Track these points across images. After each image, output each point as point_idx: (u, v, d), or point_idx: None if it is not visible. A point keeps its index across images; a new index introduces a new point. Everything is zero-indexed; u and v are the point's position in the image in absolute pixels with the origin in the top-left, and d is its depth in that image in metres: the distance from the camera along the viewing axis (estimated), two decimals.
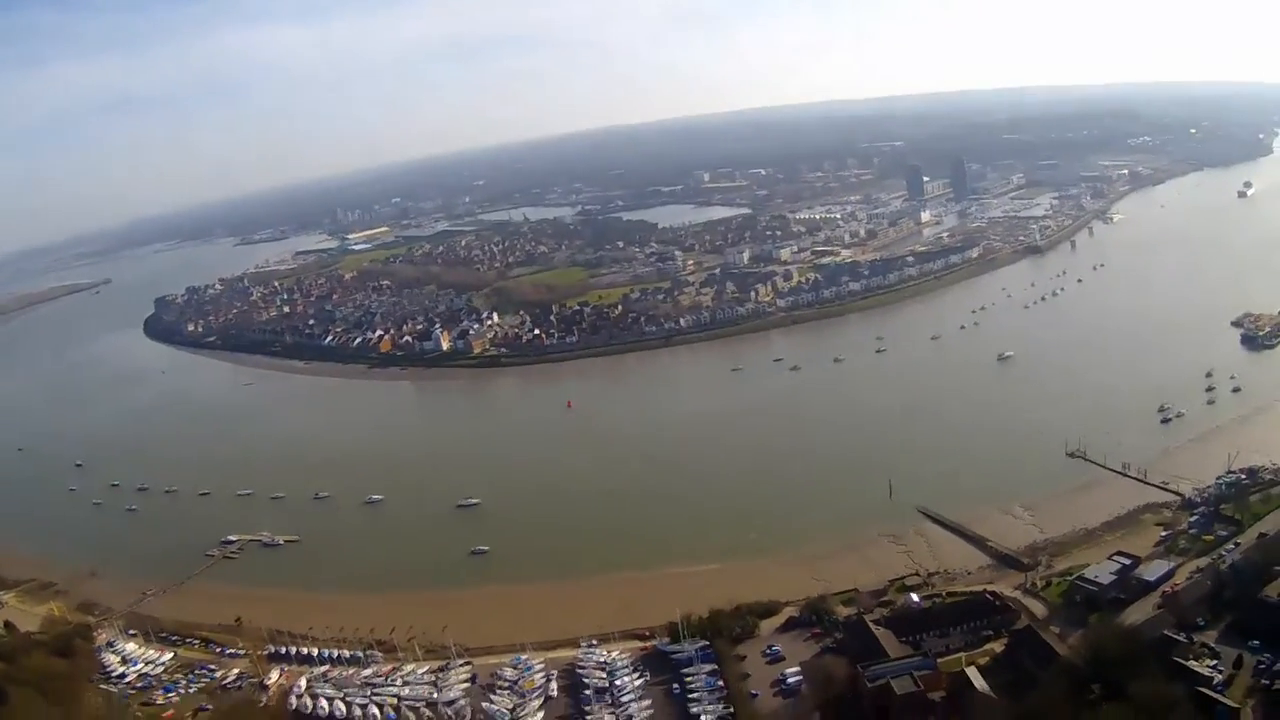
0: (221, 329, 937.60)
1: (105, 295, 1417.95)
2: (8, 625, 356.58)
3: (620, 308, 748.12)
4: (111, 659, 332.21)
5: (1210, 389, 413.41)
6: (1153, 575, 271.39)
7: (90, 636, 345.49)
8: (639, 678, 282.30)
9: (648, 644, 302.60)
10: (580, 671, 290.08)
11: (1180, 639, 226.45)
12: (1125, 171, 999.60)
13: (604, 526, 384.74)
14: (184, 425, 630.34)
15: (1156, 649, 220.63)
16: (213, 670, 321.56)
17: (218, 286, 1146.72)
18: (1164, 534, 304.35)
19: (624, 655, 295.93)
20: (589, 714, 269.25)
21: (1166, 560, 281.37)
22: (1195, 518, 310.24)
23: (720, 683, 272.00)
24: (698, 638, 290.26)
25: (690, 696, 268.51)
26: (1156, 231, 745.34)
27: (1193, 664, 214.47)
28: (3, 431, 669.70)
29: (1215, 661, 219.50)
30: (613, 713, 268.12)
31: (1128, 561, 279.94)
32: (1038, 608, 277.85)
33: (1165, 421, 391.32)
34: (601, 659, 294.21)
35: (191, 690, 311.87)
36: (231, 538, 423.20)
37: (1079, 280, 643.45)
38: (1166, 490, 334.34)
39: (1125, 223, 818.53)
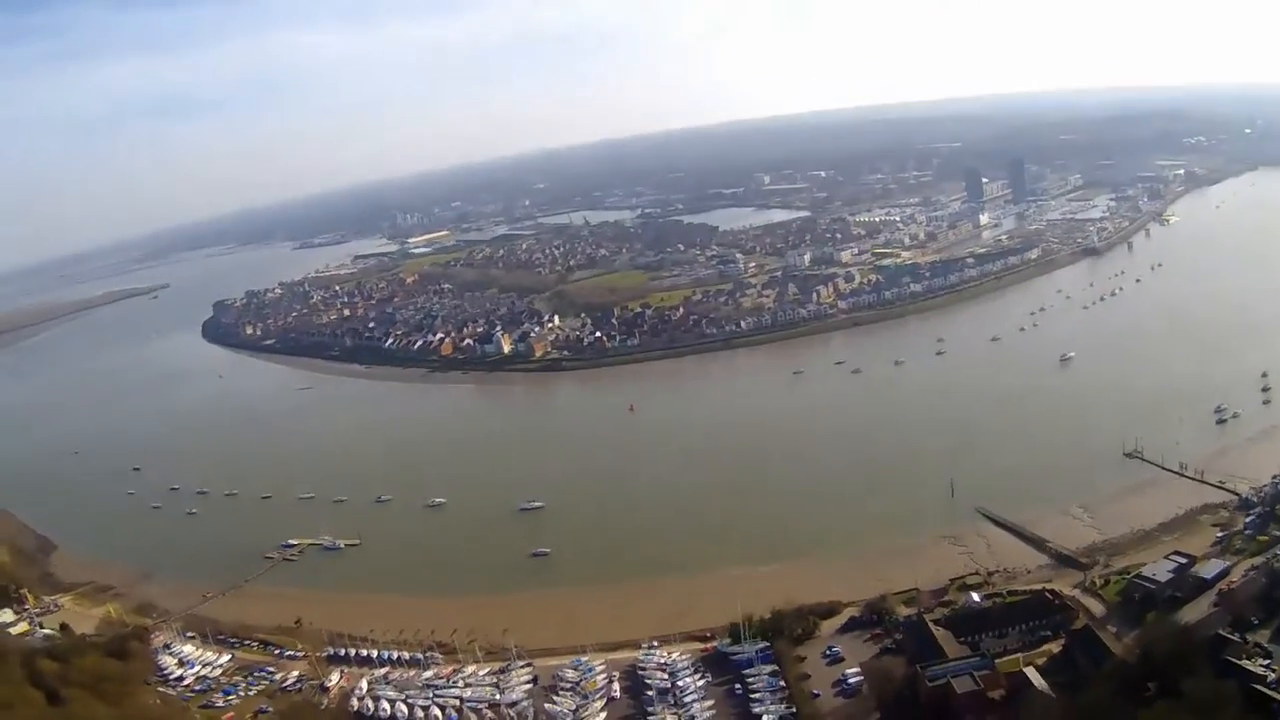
0: (280, 332, 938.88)
1: (163, 299, 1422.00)
2: (64, 627, 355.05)
3: (681, 310, 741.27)
4: (168, 661, 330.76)
5: (1266, 389, 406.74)
6: (1209, 574, 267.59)
7: (147, 639, 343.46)
8: (701, 679, 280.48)
9: (708, 645, 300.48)
10: (642, 673, 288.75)
11: (1234, 638, 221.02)
12: (1181, 171, 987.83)
13: (665, 528, 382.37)
14: (243, 428, 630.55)
15: (1210, 648, 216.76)
16: (272, 672, 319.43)
17: (277, 290, 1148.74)
18: (1220, 534, 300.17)
19: (685, 656, 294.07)
20: (652, 715, 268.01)
21: (1222, 559, 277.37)
22: (1251, 518, 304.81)
23: (781, 683, 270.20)
24: (758, 639, 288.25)
25: (752, 697, 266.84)
26: (1213, 231, 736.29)
27: (1245, 663, 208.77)
28: (59, 435, 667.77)
29: (1268, 661, 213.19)
30: (675, 713, 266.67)
31: (1184, 560, 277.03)
32: (1096, 606, 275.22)
33: (1221, 421, 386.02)
34: (662, 660, 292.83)
35: (251, 692, 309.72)
36: (292, 541, 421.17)
37: (1137, 280, 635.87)
38: (1223, 490, 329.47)
39: (1181, 224, 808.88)
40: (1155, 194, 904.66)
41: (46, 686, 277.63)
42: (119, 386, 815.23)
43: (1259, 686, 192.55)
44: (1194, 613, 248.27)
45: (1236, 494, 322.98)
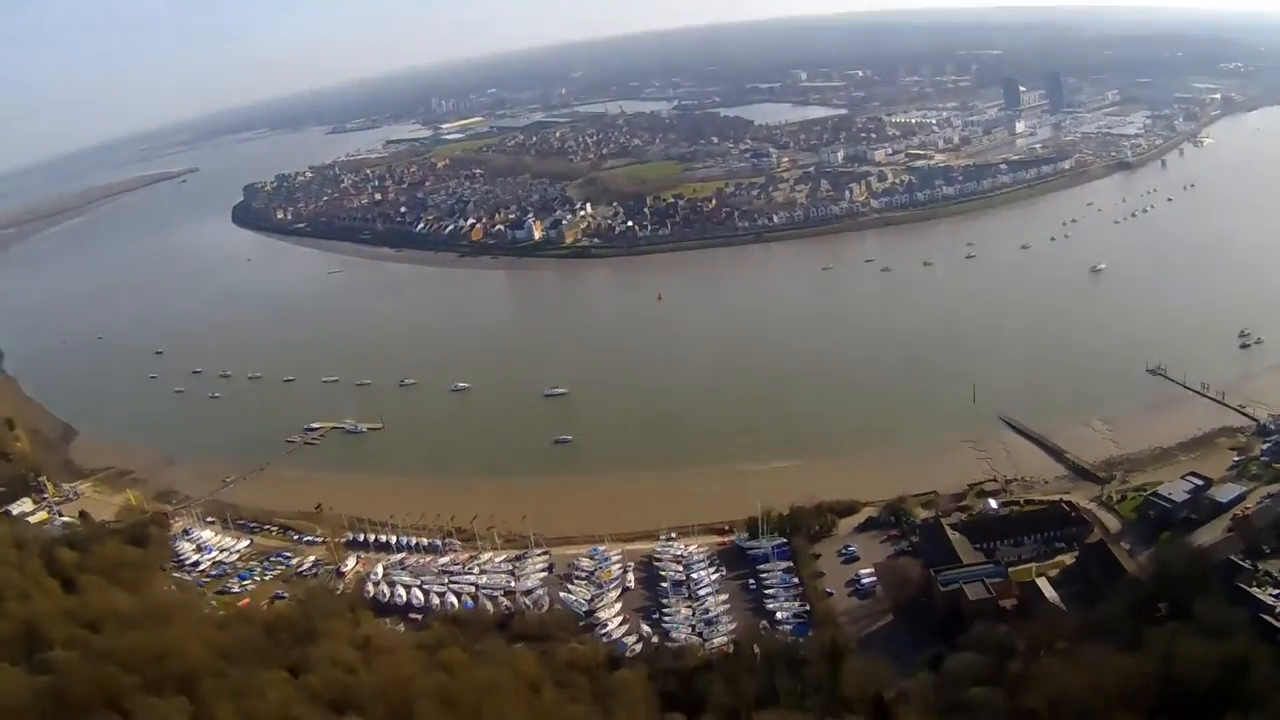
0: (311, 216, 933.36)
1: (192, 184, 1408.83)
2: (83, 515, 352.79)
3: (714, 202, 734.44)
4: (186, 547, 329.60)
5: None
6: (1225, 498, 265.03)
7: (166, 525, 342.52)
8: (715, 572, 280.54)
9: (726, 539, 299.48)
10: (657, 564, 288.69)
11: (1246, 565, 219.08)
12: (1218, 96, 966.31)
13: (688, 420, 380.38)
14: (270, 312, 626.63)
15: (1222, 573, 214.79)
16: (289, 557, 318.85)
17: (308, 174, 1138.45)
18: (1237, 458, 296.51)
19: (701, 549, 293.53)
20: (665, 606, 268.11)
21: (1239, 484, 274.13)
22: (1269, 444, 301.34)
23: (796, 580, 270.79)
24: (776, 534, 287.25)
25: (766, 593, 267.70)
26: (1248, 156, 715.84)
27: (1256, 591, 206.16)
28: (83, 320, 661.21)
29: (1279, 591, 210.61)
30: (689, 606, 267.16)
31: (1200, 482, 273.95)
32: (1111, 522, 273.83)
33: (1244, 346, 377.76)
34: (679, 552, 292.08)
35: (267, 577, 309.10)
36: (314, 425, 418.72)
37: (1169, 199, 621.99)
38: (1243, 414, 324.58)
39: (1216, 146, 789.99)
40: (1191, 115, 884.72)
41: (64, 575, 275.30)
42: (146, 272, 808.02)
43: (1268, 617, 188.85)
44: (1208, 536, 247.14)
45: (1255, 420, 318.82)
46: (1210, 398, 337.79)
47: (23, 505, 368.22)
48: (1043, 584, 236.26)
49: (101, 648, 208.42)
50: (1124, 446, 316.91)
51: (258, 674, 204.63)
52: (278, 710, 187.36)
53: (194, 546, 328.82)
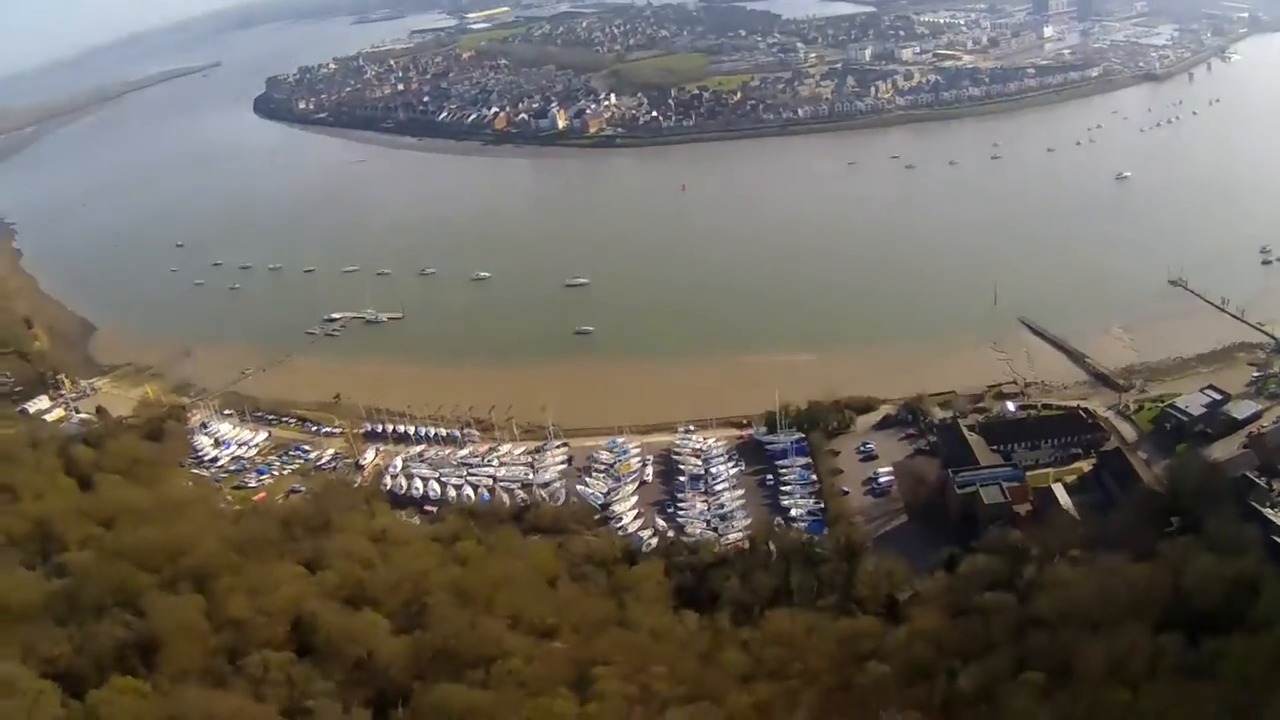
0: (333, 106, 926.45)
1: (214, 77, 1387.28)
2: (100, 411, 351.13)
3: (739, 95, 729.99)
4: (204, 442, 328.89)
5: None
6: (1241, 414, 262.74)
7: (183, 419, 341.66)
8: (734, 466, 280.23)
9: (744, 433, 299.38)
10: (676, 457, 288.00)
11: (1260, 483, 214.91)
12: (1246, 14, 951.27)
13: (709, 312, 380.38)
14: (291, 203, 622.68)
15: (1236, 489, 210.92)
16: (307, 450, 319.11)
17: (331, 65, 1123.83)
18: (1256, 374, 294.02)
19: (720, 443, 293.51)
20: (682, 501, 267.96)
21: (1256, 401, 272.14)
22: None
23: (813, 477, 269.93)
24: (794, 429, 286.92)
25: (783, 489, 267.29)
26: (1273, 76, 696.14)
27: (1269, 511, 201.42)
28: (103, 216, 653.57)
29: None
30: (705, 500, 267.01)
31: (1218, 396, 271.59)
32: (1128, 430, 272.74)
33: (1266, 263, 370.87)
34: (698, 446, 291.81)
35: (285, 471, 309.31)
36: (334, 315, 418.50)
37: (1194, 113, 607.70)
38: (1261, 331, 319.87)
39: (1243, 64, 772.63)
40: (1219, 31, 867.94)
41: (80, 473, 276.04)
42: (167, 165, 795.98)
43: (1278, 539, 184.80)
44: (1223, 450, 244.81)
45: (1274, 338, 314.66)
46: (1230, 313, 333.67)
47: (40, 403, 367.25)
48: (1058, 490, 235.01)
49: (115, 545, 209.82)
50: (1143, 355, 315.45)
51: (273, 568, 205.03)
52: (292, 605, 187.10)
53: (211, 441, 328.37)
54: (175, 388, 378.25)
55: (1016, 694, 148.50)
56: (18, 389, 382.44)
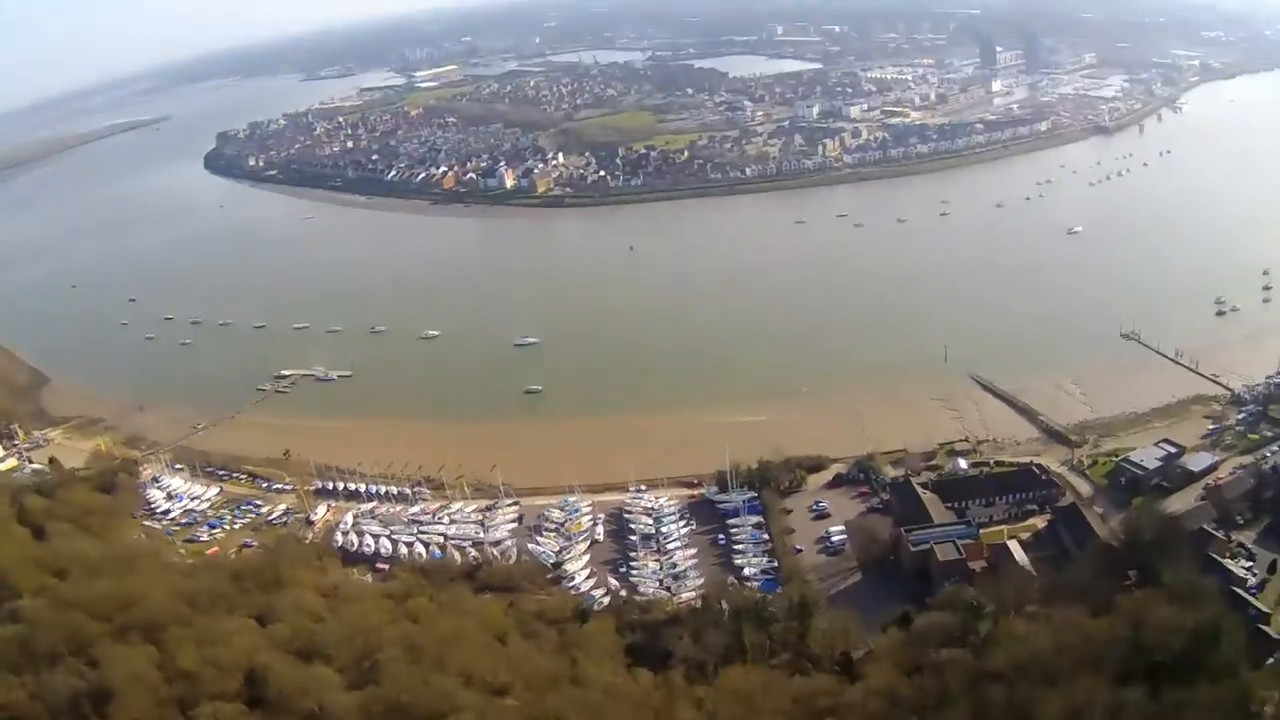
0: (283, 163, 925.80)
1: (165, 131, 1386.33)
2: (52, 461, 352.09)
3: (687, 154, 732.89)
4: (156, 494, 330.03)
5: (1267, 287, 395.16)
6: (1197, 466, 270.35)
7: (136, 472, 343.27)
8: (685, 525, 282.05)
9: (695, 492, 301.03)
10: (627, 516, 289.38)
11: (1218, 534, 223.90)
12: (1196, 62, 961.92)
13: (660, 370, 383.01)
14: (241, 259, 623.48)
15: (1194, 541, 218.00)
16: (259, 505, 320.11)
17: (281, 121, 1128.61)
18: (1211, 427, 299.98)
19: (671, 502, 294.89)
20: (634, 559, 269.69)
21: (1212, 453, 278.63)
22: (1243, 414, 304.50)
23: (765, 536, 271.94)
24: (745, 488, 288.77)
25: (735, 547, 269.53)
26: (1225, 125, 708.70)
27: (1228, 562, 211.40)
28: (56, 269, 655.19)
29: (1250, 564, 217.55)
30: (657, 560, 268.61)
31: (1174, 449, 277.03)
32: (1082, 486, 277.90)
33: (1220, 314, 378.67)
34: (649, 504, 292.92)
35: (237, 525, 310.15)
36: (285, 372, 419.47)
37: (1144, 164, 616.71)
38: (1216, 383, 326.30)
39: (1194, 113, 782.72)
40: (1169, 80, 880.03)
41: (32, 522, 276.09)
42: (119, 219, 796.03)
43: (1237, 589, 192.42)
44: (1179, 503, 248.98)
45: (1229, 389, 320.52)
46: (1184, 365, 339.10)
47: None
48: (1014, 546, 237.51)
49: (69, 595, 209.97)
50: (1097, 410, 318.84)
51: (224, 621, 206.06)
52: (243, 658, 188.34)
53: (164, 494, 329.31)
54: (127, 440, 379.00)
55: None
56: None
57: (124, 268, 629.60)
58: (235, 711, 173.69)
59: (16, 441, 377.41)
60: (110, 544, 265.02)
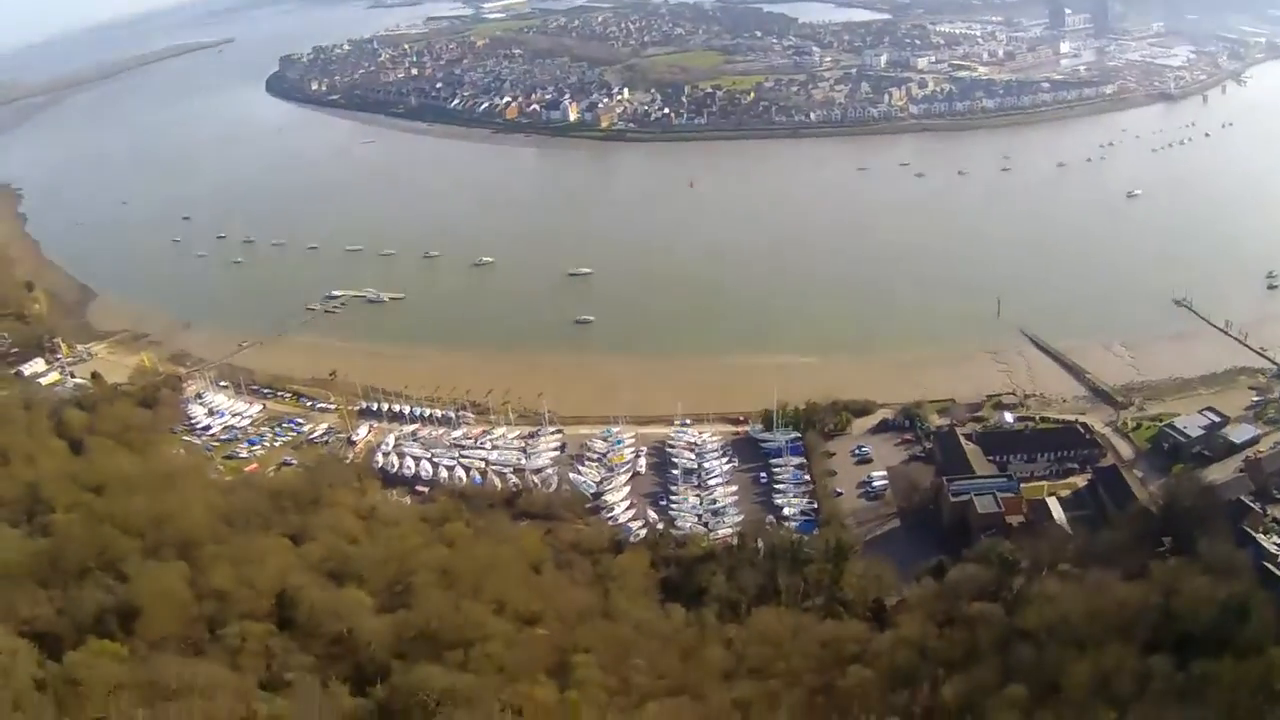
0: (346, 88, 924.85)
1: (228, 53, 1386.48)
2: (95, 376, 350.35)
3: (753, 95, 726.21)
4: (198, 410, 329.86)
5: None
6: (1239, 437, 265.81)
7: (179, 388, 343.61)
8: (728, 462, 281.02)
9: (740, 429, 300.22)
10: (670, 450, 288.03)
11: (1255, 507, 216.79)
12: (1263, 39, 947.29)
13: (711, 308, 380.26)
14: (299, 181, 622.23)
15: (1230, 512, 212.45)
16: (301, 424, 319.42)
17: (345, 47, 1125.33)
18: (1255, 399, 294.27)
19: (715, 438, 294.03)
20: (674, 494, 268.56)
21: (1254, 425, 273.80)
22: None
23: (807, 477, 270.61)
24: (790, 428, 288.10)
25: (776, 487, 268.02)
26: None
27: (1261, 537, 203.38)
28: (110, 185, 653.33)
29: None
30: (698, 495, 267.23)
31: (1216, 419, 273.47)
32: (1124, 448, 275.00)
33: (1272, 288, 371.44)
34: (692, 439, 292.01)
35: (277, 443, 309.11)
36: (335, 292, 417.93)
37: (1206, 134, 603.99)
38: (1263, 356, 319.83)
39: (1259, 88, 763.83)
40: (1235, 55, 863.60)
41: (71, 437, 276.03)
42: (176, 140, 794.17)
43: (1270, 565, 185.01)
44: (1219, 473, 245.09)
45: (1275, 363, 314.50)
46: (1232, 336, 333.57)
47: (35, 366, 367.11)
48: (1052, 504, 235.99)
49: (102, 510, 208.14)
50: (1144, 373, 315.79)
51: (259, 540, 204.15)
52: (277, 578, 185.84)
53: (205, 410, 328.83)
54: (172, 357, 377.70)
55: (1000, 708, 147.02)
56: (14, 351, 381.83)
57: (180, 187, 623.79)
58: (264, 631, 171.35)
59: (59, 355, 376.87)
60: (148, 460, 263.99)
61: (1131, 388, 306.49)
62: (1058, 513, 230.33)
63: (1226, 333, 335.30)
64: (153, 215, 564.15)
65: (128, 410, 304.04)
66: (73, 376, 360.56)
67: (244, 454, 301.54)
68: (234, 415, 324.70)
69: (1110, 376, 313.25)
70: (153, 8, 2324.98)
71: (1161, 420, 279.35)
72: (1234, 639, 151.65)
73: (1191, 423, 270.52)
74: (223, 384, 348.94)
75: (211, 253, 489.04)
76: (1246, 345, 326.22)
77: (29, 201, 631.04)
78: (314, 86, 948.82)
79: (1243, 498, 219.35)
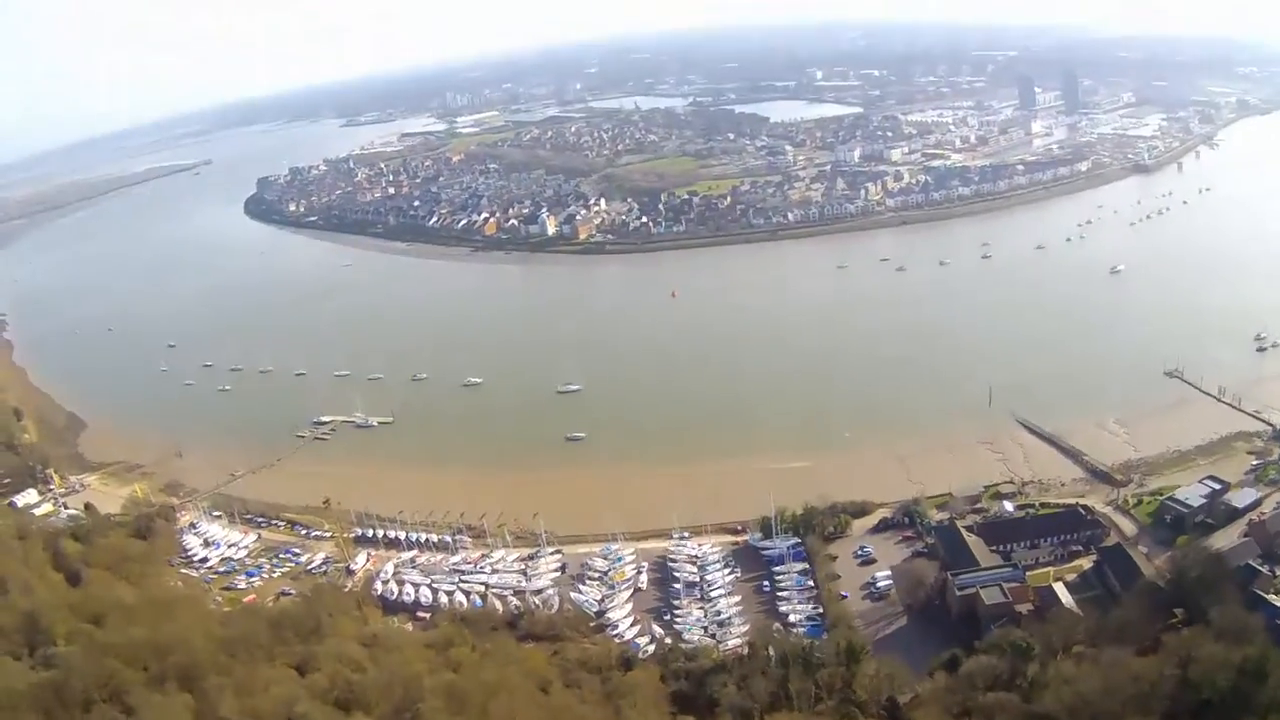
0: (324, 209, 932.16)
1: (205, 175, 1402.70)
2: (88, 507, 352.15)
3: (729, 199, 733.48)
4: (193, 541, 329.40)
5: None
6: (1241, 502, 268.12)
7: (173, 518, 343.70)
8: (730, 572, 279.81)
9: (739, 538, 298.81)
10: (671, 564, 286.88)
11: (1264, 570, 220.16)
12: (1233, 99, 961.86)
13: (702, 417, 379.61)
14: (282, 306, 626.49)
15: (1239, 577, 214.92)
16: (298, 553, 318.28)
17: (321, 167, 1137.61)
18: (1255, 463, 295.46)
19: (715, 548, 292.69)
20: (678, 607, 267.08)
21: (1255, 489, 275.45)
22: None
23: (810, 582, 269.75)
24: (790, 534, 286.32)
25: (780, 595, 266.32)
26: (1263, 160, 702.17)
27: (1271, 597, 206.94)
28: (95, 312, 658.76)
29: None
30: (702, 607, 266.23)
31: (1217, 486, 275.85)
32: (1127, 525, 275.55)
33: (1261, 350, 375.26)
34: (693, 551, 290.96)
35: (275, 574, 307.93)
36: (324, 418, 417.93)
37: (1184, 202, 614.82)
38: (1258, 419, 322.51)
39: (1232, 149, 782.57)
40: (1207, 118, 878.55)
41: (68, 568, 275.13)
42: (158, 263, 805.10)
43: None
44: (1224, 540, 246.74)
45: (1271, 425, 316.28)
46: (1226, 402, 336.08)
47: (28, 496, 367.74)
48: (1059, 588, 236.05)
49: (104, 641, 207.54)
50: (1140, 449, 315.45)
51: (262, 670, 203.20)
52: (282, 707, 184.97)
53: (201, 541, 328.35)
54: (164, 487, 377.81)
55: None
56: (5, 481, 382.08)
57: (163, 313, 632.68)
58: None
59: (52, 486, 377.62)
60: (146, 590, 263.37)
61: (1129, 464, 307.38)
62: (1065, 597, 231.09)
63: (1220, 399, 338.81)
64: (139, 341, 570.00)
65: (123, 542, 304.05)
66: (66, 507, 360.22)
67: (242, 585, 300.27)
68: (230, 545, 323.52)
69: (1107, 455, 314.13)
70: (128, 127, 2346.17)
71: (1162, 494, 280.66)
72: (1253, 701, 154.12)
73: (1192, 493, 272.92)
74: (216, 514, 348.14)
75: (199, 381, 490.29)
76: (1241, 410, 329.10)
77: (13, 328, 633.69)
78: (291, 208, 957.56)
79: (1250, 561, 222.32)
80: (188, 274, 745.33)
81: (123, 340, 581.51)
